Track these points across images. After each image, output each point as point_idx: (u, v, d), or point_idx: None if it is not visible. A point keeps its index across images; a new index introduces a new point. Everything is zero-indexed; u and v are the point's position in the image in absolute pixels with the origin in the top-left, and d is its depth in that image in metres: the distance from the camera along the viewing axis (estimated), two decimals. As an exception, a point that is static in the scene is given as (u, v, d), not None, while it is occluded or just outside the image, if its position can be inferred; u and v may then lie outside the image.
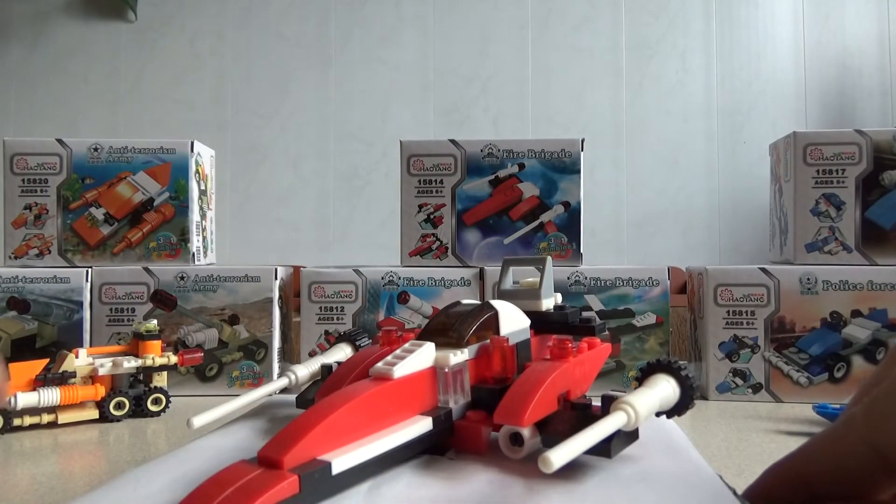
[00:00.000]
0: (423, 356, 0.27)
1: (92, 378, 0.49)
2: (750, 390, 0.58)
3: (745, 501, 0.23)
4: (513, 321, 0.31)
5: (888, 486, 0.19)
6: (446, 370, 0.27)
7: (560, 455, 0.20)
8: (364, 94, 1.86)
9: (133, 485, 0.25)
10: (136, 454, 0.41)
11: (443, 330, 0.29)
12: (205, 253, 0.69)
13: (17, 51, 1.85)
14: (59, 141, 0.64)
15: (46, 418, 0.47)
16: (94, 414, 0.49)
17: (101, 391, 0.49)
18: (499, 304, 0.31)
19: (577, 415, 0.26)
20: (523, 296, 0.35)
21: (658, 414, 0.27)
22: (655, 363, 0.27)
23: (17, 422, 0.46)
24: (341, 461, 0.22)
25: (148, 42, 1.86)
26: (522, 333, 0.32)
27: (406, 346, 0.28)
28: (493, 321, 0.30)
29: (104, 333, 0.61)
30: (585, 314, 0.36)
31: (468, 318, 0.29)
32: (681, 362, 0.28)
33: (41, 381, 0.47)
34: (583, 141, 0.63)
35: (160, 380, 0.53)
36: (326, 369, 0.34)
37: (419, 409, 0.26)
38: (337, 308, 0.60)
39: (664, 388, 0.26)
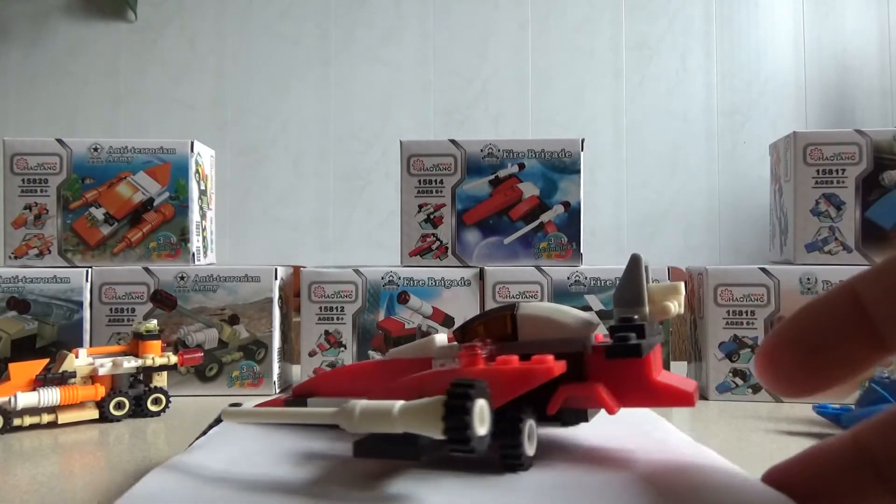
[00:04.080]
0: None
1: (92, 378, 0.49)
2: (750, 390, 0.58)
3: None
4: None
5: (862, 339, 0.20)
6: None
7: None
8: (364, 94, 1.87)
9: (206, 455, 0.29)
10: (136, 454, 0.41)
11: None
12: (205, 253, 0.70)
13: (17, 51, 1.85)
14: (59, 141, 0.64)
15: (46, 418, 0.47)
16: (94, 414, 0.49)
17: (101, 391, 0.49)
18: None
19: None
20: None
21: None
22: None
23: (17, 422, 0.46)
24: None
25: (148, 42, 1.86)
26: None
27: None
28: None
29: (104, 333, 0.61)
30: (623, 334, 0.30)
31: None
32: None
33: (41, 381, 0.47)
34: (583, 141, 0.63)
35: (160, 380, 0.53)
36: None
37: None
38: (337, 308, 0.60)
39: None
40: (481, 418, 0.24)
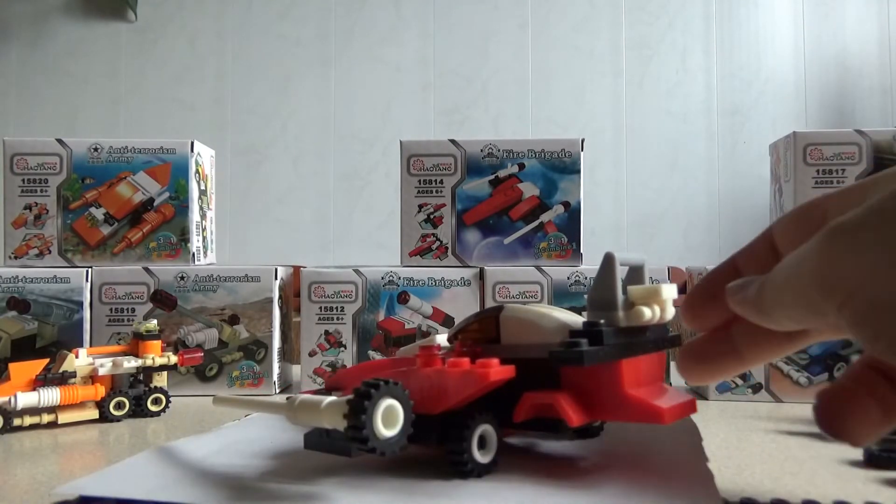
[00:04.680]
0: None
1: (92, 378, 0.49)
2: (750, 390, 0.58)
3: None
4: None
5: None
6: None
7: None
8: (364, 94, 1.86)
9: (191, 446, 0.31)
10: (136, 454, 0.41)
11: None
12: (205, 253, 0.70)
13: (17, 51, 1.85)
14: (59, 141, 0.64)
15: (46, 418, 0.47)
16: (94, 414, 0.49)
17: (101, 391, 0.49)
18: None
19: None
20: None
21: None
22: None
23: (17, 422, 0.46)
24: None
25: (148, 42, 1.86)
26: None
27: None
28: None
29: (104, 333, 0.61)
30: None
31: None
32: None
33: (41, 381, 0.47)
34: (583, 141, 0.63)
35: (160, 380, 0.53)
36: None
37: None
38: (337, 308, 0.60)
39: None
40: (389, 419, 0.24)
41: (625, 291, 0.28)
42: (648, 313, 0.27)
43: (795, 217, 0.28)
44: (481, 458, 0.27)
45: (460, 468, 0.26)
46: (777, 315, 0.25)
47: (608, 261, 0.28)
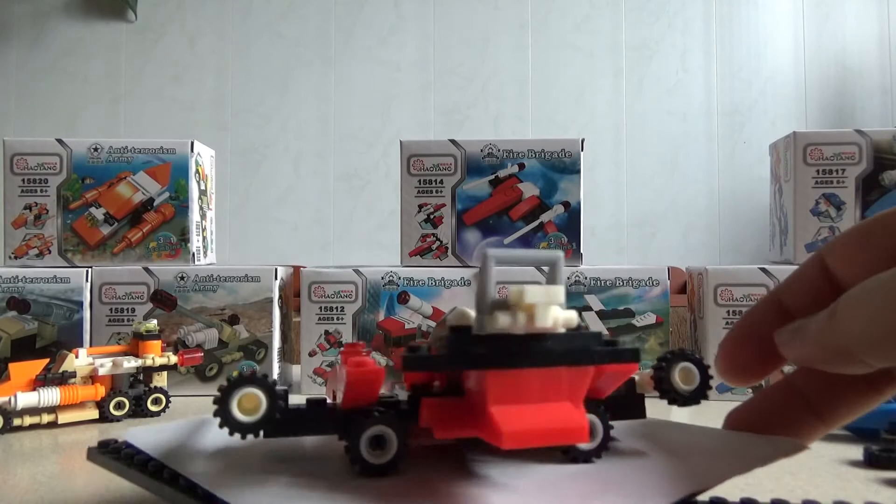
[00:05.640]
0: None
1: (92, 378, 0.49)
2: (750, 390, 0.58)
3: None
4: None
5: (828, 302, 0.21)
6: None
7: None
8: (364, 94, 1.87)
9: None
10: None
11: None
12: (205, 253, 0.70)
13: (17, 51, 1.85)
14: (59, 141, 0.64)
15: (46, 418, 0.47)
16: (94, 414, 0.49)
17: (101, 391, 0.49)
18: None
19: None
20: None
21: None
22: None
23: (17, 422, 0.46)
24: None
25: (148, 42, 1.86)
26: None
27: None
28: None
29: (104, 333, 0.61)
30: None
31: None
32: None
33: (41, 381, 0.47)
34: (583, 141, 0.63)
35: (160, 380, 0.53)
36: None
37: None
38: (337, 308, 0.60)
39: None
40: (248, 406, 0.26)
41: None
42: (504, 321, 0.23)
43: (860, 236, 0.23)
44: (372, 458, 0.26)
45: (353, 465, 0.26)
46: (867, 354, 0.20)
47: (482, 259, 0.24)
